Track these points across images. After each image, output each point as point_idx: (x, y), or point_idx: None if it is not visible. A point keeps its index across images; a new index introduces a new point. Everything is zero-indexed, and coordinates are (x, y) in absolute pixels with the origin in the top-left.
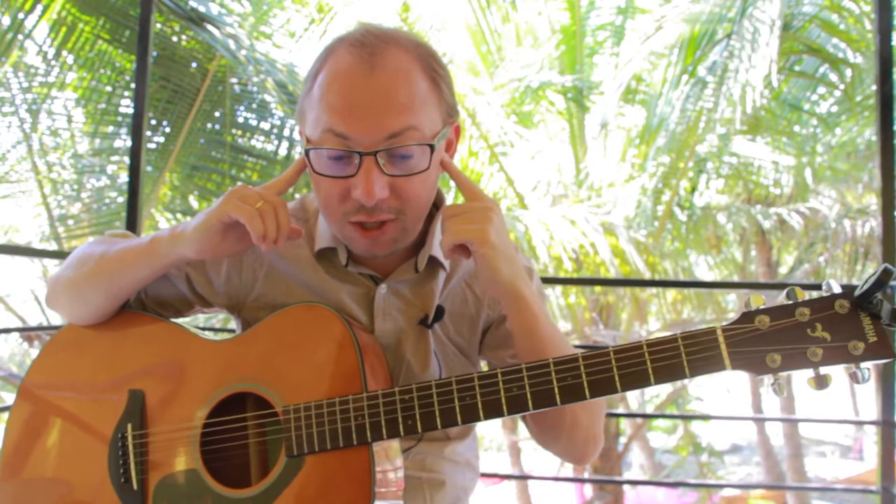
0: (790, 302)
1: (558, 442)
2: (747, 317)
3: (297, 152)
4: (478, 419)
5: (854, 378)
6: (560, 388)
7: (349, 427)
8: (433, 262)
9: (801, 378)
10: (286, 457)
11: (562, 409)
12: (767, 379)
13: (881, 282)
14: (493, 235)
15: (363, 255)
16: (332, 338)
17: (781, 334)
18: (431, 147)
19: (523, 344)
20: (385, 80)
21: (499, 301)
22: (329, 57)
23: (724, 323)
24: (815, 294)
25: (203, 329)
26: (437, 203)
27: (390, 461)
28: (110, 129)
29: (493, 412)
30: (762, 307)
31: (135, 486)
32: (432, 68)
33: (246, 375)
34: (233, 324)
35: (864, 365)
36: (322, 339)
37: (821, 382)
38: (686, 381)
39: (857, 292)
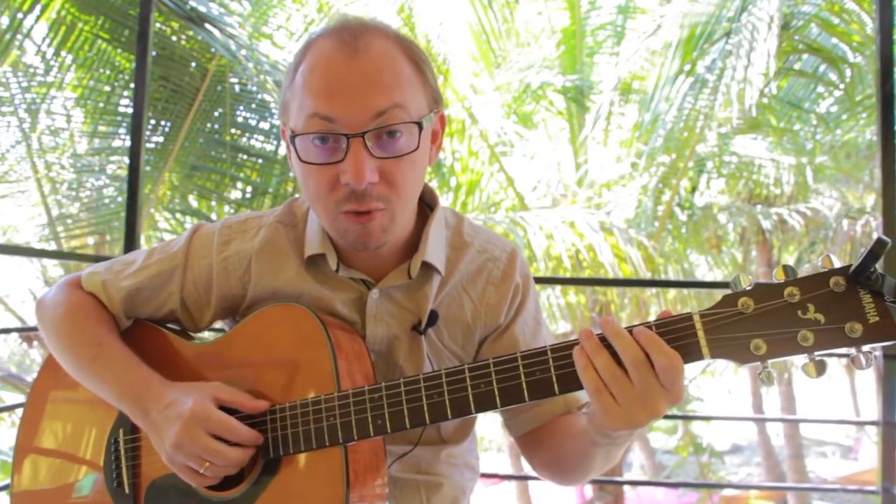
0: (779, 281)
1: (576, 472)
2: (729, 300)
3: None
4: (445, 417)
5: (855, 364)
6: (528, 384)
7: (321, 428)
8: (427, 267)
9: (801, 377)
10: (262, 459)
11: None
12: (756, 368)
13: (874, 253)
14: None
15: (356, 247)
16: (306, 337)
17: (767, 318)
18: (420, 125)
19: (580, 449)
20: (369, 60)
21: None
22: (310, 48)
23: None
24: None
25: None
26: (431, 204)
27: (375, 464)
28: (109, 128)
29: (461, 409)
30: (747, 288)
31: (126, 490)
32: (414, 53)
33: (229, 378)
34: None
35: (865, 348)
36: (297, 338)
37: (819, 368)
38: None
39: (853, 267)
